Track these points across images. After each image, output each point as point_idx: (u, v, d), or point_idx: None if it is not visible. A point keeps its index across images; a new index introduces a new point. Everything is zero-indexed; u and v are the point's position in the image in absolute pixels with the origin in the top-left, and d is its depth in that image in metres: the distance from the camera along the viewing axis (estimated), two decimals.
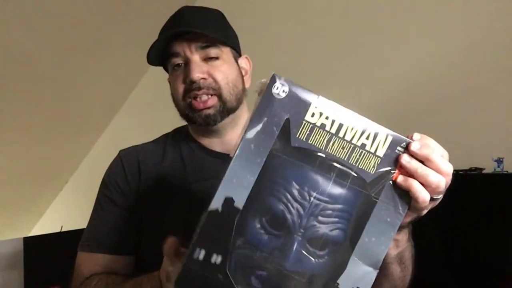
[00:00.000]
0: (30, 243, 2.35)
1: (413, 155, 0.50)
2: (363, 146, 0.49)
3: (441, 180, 0.51)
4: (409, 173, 0.50)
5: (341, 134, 0.48)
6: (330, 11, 2.25)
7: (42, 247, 2.35)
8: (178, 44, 0.80)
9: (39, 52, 2.37)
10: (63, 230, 2.61)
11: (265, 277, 0.48)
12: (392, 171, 0.50)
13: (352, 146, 0.48)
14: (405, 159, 0.50)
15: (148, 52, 0.82)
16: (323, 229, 0.49)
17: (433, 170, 0.50)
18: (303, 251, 0.49)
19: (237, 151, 0.48)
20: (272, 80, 0.48)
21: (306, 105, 0.48)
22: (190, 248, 0.47)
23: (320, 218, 0.49)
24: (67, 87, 2.66)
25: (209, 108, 0.80)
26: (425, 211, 0.54)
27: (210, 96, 0.80)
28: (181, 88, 0.81)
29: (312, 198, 0.48)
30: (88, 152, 3.24)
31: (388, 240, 0.50)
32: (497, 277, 1.55)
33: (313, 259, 0.49)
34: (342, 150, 0.48)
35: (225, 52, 0.83)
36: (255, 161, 0.47)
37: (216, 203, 0.48)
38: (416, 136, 0.52)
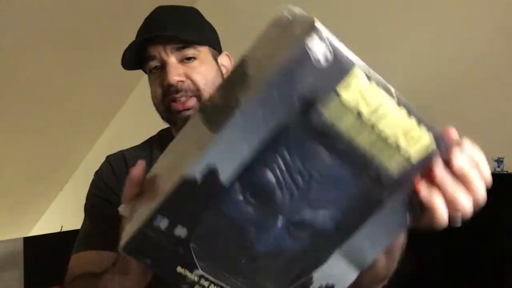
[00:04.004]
0: (30, 243, 2.35)
1: (449, 165, 0.40)
2: (397, 146, 0.38)
3: (470, 206, 0.42)
4: (434, 184, 0.40)
5: (376, 127, 0.37)
6: (334, 4, 2.25)
7: (42, 247, 2.34)
8: (153, 47, 0.78)
9: (38, 52, 2.37)
10: (63, 230, 2.61)
11: (231, 256, 0.41)
12: (416, 175, 0.40)
13: (384, 142, 0.37)
14: (440, 172, 0.39)
15: (122, 58, 0.80)
16: (314, 215, 0.40)
17: (464, 191, 0.41)
18: (284, 233, 0.41)
19: (238, 113, 0.35)
20: (314, 36, 0.33)
21: (348, 79, 0.35)
22: (150, 213, 0.38)
23: (314, 203, 0.40)
24: (67, 87, 2.66)
25: (188, 109, 0.78)
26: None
27: (189, 97, 0.78)
28: (159, 91, 0.80)
29: (313, 183, 0.39)
30: (88, 152, 3.23)
31: (382, 247, 0.43)
32: (497, 278, 1.55)
33: (293, 244, 0.41)
34: (369, 143, 0.37)
35: (203, 52, 0.81)
36: (258, 131, 0.36)
37: (194, 170, 0.36)
38: (466, 145, 0.41)
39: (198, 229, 0.39)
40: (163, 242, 0.39)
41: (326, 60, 0.33)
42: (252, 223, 0.40)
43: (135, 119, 3.02)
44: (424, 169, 0.39)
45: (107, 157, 0.89)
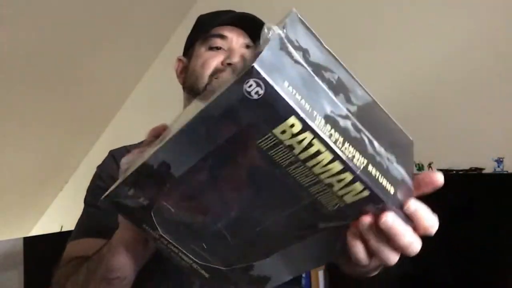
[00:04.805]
0: (30, 243, 2.34)
1: (377, 221, 0.39)
2: (330, 185, 0.38)
3: (393, 260, 0.41)
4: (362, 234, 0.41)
5: (309, 164, 0.37)
6: (331, 8, 2.25)
7: (42, 247, 2.34)
8: (232, 31, 0.86)
9: (39, 52, 2.36)
10: (63, 230, 2.62)
11: (188, 227, 0.47)
12: (350, 214, 0.40)
13: (317, 180, 0.38)
14: (363, 227, 0.39)
15: (211, 19, 0.87)
16: (264, 217, 0.44)
17: (388, 247, 0.40)
18: (236, 222, 0.45)
19: (188, 123, 0.38)
20: (248, 73, 0.33)
21: (279, 119, 0.35)
22: (122, 180, 0.47)
23: (264, 208, 0.44)
24: (66, 87, 2.66)
25: None
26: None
27: None
28: (213, 65, 0.85)
29: (262, 192, 0.42)
30: (88, 152, 3.24)
31: (315, 265, 0.48)
32: (497, 277, 1.55)
33: (243, 234, 0.46)
34: (304, 178, 0.38)
35: None
36: (203, 146, 0.39)
37: (152, 159, 0.42)
38: (410, 207, 0.39)
39: (158, 202, 0.45)
40: (131, 204, 0.47)
41: (263, 103, 0.34)
42: (210, 203, 0.44)
43: (135, 119, 3.03)
44: (357, 213, 0.39)
45: (110, 151, 0.90)
